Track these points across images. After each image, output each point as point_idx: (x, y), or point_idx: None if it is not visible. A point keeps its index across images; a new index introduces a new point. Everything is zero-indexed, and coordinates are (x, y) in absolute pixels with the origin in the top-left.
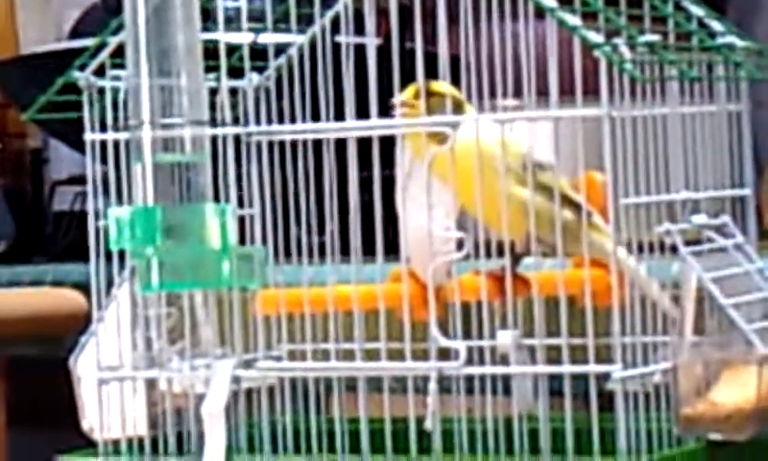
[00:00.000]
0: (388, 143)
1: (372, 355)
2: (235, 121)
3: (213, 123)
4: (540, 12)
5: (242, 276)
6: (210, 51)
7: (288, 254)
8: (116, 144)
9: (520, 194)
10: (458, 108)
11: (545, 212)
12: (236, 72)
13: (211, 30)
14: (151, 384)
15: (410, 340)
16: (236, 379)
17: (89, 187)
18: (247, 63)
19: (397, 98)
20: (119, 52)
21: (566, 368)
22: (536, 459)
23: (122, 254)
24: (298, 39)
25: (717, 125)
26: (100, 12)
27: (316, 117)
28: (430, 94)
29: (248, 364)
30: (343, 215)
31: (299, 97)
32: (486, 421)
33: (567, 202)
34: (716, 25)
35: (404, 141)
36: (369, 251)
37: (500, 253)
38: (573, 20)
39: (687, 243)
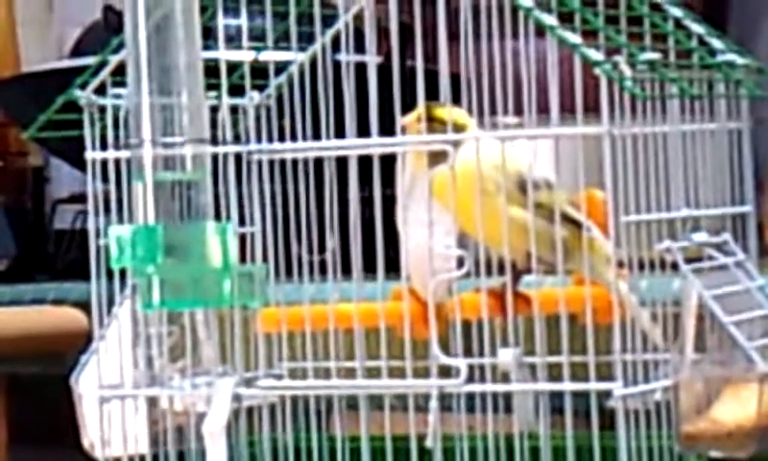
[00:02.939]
0: (388, 161)
1: (372, 373)
2: (236, 139)
3: (214, 141)
4: (541, 30)
5: (243, 294)
6: (211, 69)
7: (289, 272)
8: (117, 162)
9: (515, 214)
10: (460, 131)
11: (542, 231)
12: (237, 90)
13: (212, 48)
14: (152, 402)
15: (411, 358)
16: (237, 397)
17: (90, 206)
18: (247, 81)
19: (402, 120)
20: (120, 70)
21: (567, 385)
22: None
23: (123, 273)
24: (298, 58)
25: (718, 142)
26: (101, 31)
27: (317, 135)
28: (432, 119)
29: (249, 382)
30: (343, 233)
31: (299, 115)
32: (487, 438)
33: (565, 219)
34: (716, 43)
35: (405, 160)
36: (369, 269)
37: (501, 270)
38: (574, 38)
39: (688, 260)
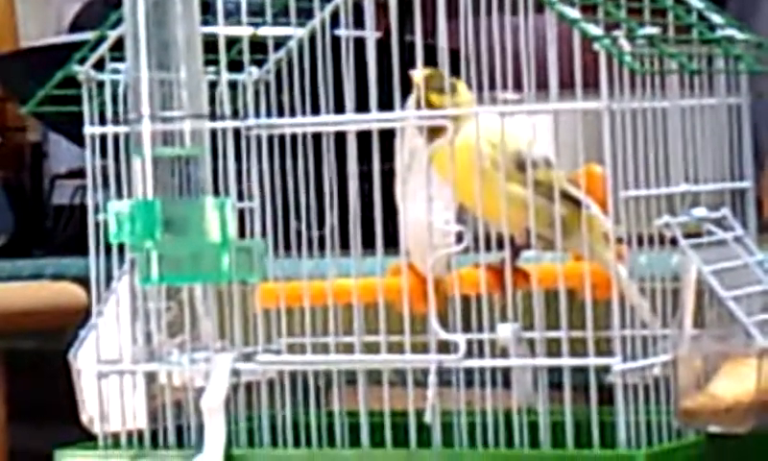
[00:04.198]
0: (387, 136)
1: (371, 349)
2: (235, 114)
3: (213, 116)
4: (540, 5)
5: (241, 269)
6: (210, 44)
7: (288, 247)
8: (116, 138)
9: (514, 191)
10: (453, 93)
11: (541, 209)
12: (236, 65)
13: (211, 23)
14: (150, 377)
15: (410, 333)
16: (236, 373)
17: (89, 181)
18: (246, 57)
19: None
20: (119, 45)
21: (566, 361)
22: (536, 452)
23: (121, 248)
24: (297, 33)
25: (717, 118)
26: (99, 6)
27: (315, 111)
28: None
29: (247, 357)
30: (342, 208)
31: (298, 90)
32: (486, 414)
33: (564, 197)
34: (716, 18)
35: (405, 135)
36: (368, 244)
37: (500, 246)
38: (573, 13)
39: (687, 236)
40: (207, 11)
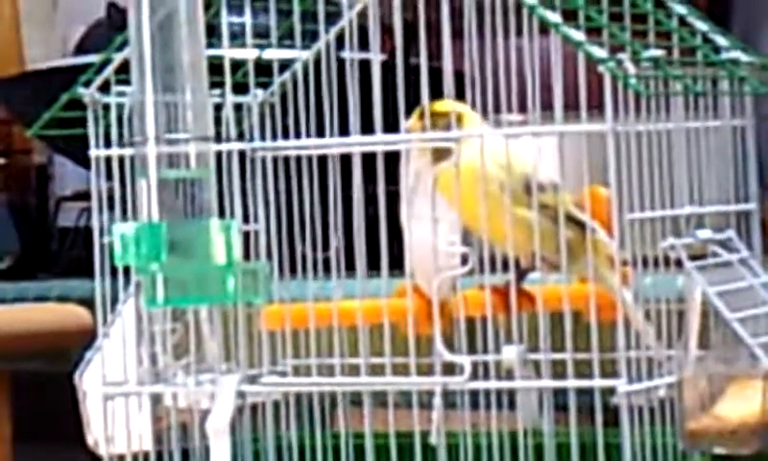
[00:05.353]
0: (393, 158)
1: (376, 370)
2: (240, 137)
3: (218, 139)
4: (545, 28)
5: (247, 291)
6: (215, 67)
7: (293, 269)
8: (121, 160)
9: (520, 214)
10: (459, 123)
11: (548, 232)
12: (241, 88)
13: (216, 46)
14: (156, 399)
15: (415, 355)
16: (241, 395)
17: (94, 203)
18: (252, 79)
19: (404, 124)
20: (124, 68)
21: (571, 382)
22: None
23: (127, 270)
24: (302, 55)
25: (722, 139)
26: (105, 29)
27: (321, 133)
28: (435, 115)
29: (253, 379)
30: (347, 230)
31: (303, 113)
32: (491, 435)
33: (570, 220)
34: (721, 40)
35: (409, 157)
36: (373, 266)
37: (505, 268)
38: (578, 35)
39: (692, 258)
40: (213, 33)
